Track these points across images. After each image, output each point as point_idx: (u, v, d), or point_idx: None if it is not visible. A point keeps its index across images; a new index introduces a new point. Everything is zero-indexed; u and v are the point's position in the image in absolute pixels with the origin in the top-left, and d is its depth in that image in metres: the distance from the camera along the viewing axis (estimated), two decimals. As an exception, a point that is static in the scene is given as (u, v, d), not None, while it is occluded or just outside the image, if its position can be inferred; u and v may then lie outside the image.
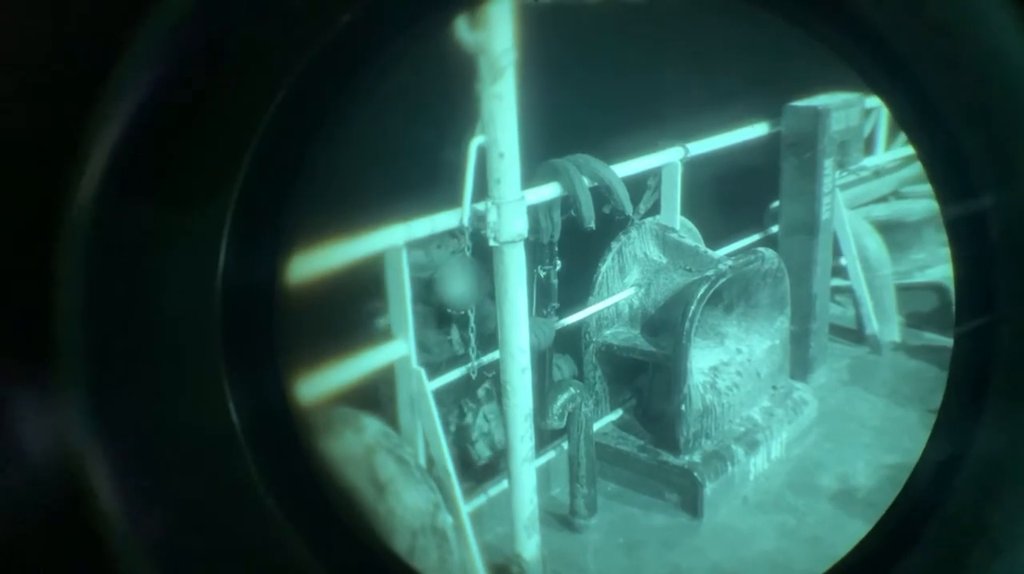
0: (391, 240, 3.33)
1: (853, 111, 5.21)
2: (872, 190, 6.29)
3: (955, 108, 1.09)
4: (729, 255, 4.75)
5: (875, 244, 5.69)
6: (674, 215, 4.72)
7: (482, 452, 4.00)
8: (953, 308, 4.73)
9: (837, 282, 5.65)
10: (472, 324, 3.72)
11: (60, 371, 1.07)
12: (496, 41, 2.86)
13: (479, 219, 3.31)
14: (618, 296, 4.48)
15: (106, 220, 1.03)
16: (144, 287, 1.09)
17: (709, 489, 4.10)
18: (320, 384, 2.99)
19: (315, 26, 1.05)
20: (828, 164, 5.01)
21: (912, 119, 1.17)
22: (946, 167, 1.14)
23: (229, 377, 1.13)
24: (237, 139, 1.07)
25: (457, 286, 3.74)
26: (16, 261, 1.04)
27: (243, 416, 1.14)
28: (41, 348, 1.05)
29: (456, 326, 3.86)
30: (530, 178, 3.81)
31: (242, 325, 1.15)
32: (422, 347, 3.70)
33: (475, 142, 3.30)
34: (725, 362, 4.57)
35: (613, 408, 4.52)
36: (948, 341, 5.08)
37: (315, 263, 2.92)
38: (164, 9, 1.00)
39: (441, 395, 3.67)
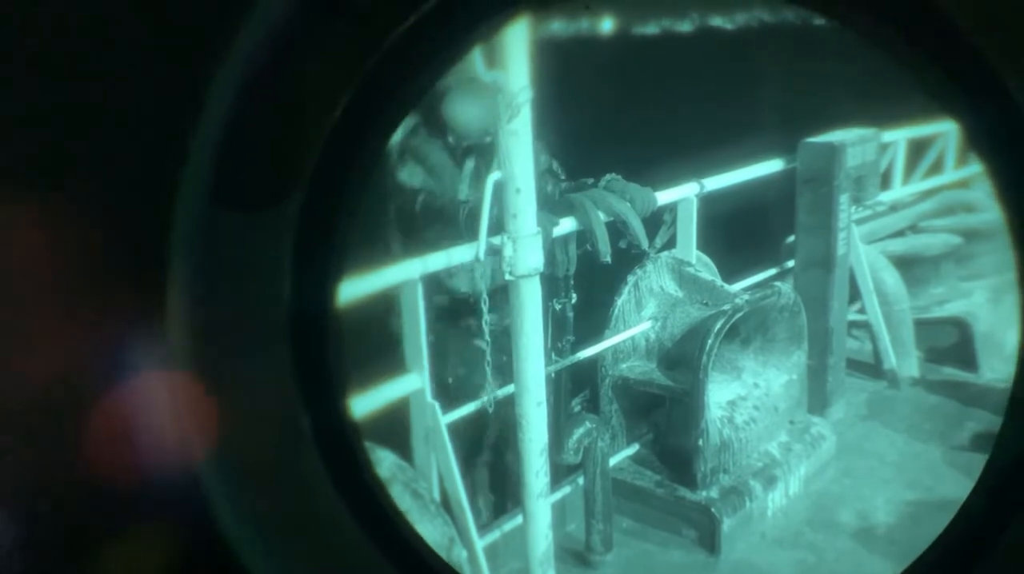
0: (407, 274, 3.36)
1: (869, 146, 5.23)
2: (889, 225, 6.28)
3: None
4: (745, 289, 4.75)
5: (893, 279, 5.66)
6: (690, 250, 4.73)
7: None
8: (974, 344, 4.63)
9: (854, 316, 5.62)
10: (488, 357, 3.72)
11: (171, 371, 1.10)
12: (513, 79, 2.90)
13: (495, 253, 3.33)
14: (634, 330, 4.47)
15: (199, 226, 1.06)
16: (228, 292, 1.13)
17: (727, 525, 4.06)
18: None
19: (381, 27, 1.07)
20: (844, 199, 5.01)
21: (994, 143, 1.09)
22: None
23: (299, 386, 1.17)
24: (303, 142, 1.09)
25: (468, 110, 3.68)
26: (127, 264, 1.07)
27: (313, 425, 1.18)
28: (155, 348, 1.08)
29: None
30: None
31: (305, 332, 1.18)
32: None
33: (492, 177, 3.34)
34: (742, 396, 4.55)
35: (629, 443, 4.49)
36: (968, 376, 5.05)
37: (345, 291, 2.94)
38: (255, 17, 1.03)
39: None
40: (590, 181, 4.31)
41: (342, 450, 1.25)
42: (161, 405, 1.09)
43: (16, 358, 1.04)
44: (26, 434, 1.06)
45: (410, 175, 3.98)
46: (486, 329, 3.58)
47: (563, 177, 4.31)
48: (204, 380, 1.10)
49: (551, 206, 4.05)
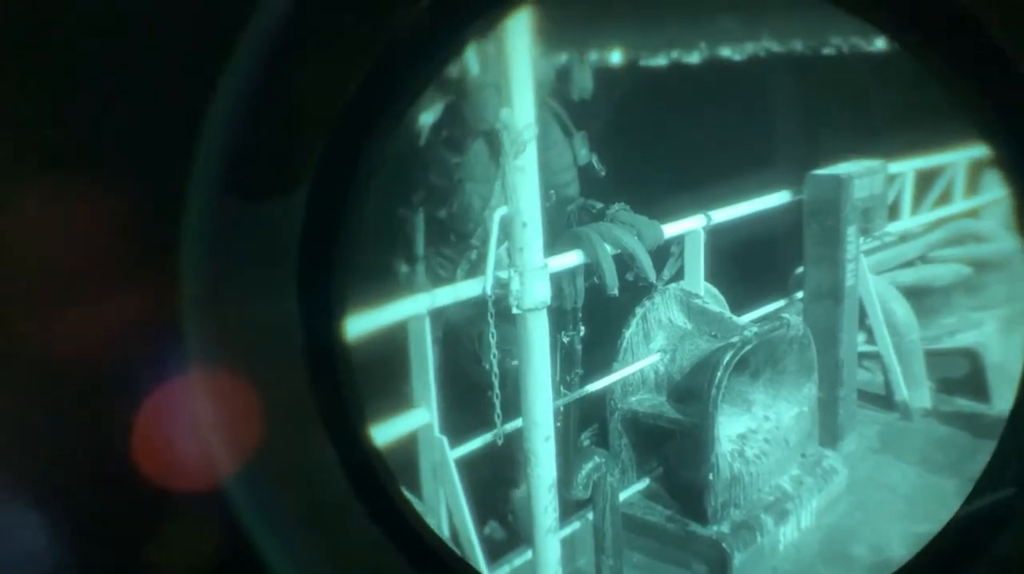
0: (414, 309, 3.37)
1: (876, 178, 5.23)
2: (898, 255, 6.27)
3: None
4: (754, 321, 4.74)
5: (903, 309, 5.64)
6: (698, 282, 4.73)
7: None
8: (986, 375, 4.58)
9: (865, 348, 5.59)
10: (496, 390, 3.72)
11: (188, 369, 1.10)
12: (518, 116, 2.93)
13: (502, 287, 3.34)
14: (643, 362, 4.46)
15: (210, 217, 1.07)
16: (241, 290, 1.14)
17: (738, 560, 4.02)
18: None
19: (386, 20, 1.09)
20: (852, 231, 5.01)
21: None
22: None
23: (317, 407, 1.18)
24: (309, 135, 1.10)
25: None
26: (142, 259, 1.08)
27: (337, 444, 1.19)
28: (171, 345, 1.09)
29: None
30: (553, 246, 3.85)
31: (317, 344, 1.18)
32: None
33: (499, 212, 3.36)
34: (753, 430, 4.52)
35: (639, 477, 4.46)
36: (981, 407, 4.99)
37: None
38: (262, 12, 1.04)
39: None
40: (599, 205, 4.34)
41: (356, 451, 1.26)
42: (181, 406, 1.10)
43: (27, 358, 1.05)
44: (42, 433, 1.07)
45: (443, 169, 4.02)
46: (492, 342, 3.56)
47: (602, 173, 4.36)
48: (220, 380, 1.11)
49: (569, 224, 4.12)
